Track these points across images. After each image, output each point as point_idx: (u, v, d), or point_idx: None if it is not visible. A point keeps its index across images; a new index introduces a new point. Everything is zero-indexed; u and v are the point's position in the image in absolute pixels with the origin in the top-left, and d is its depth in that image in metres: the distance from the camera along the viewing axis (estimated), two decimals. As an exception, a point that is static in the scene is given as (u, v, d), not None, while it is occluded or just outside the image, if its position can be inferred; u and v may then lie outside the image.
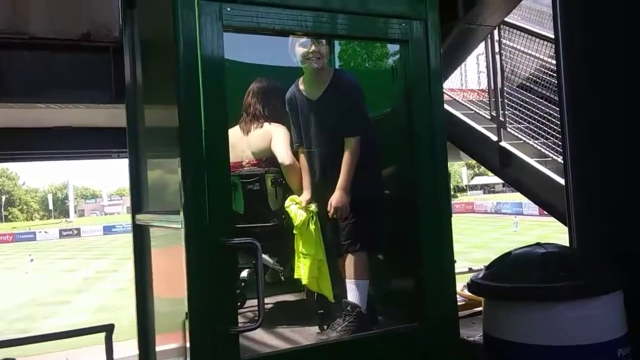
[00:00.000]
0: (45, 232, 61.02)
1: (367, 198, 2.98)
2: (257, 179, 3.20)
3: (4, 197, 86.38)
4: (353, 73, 3.13)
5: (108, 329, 3.68)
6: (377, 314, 3.03)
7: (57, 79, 4.50)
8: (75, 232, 60.59)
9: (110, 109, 5.08)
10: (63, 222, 79.05)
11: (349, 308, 2.87)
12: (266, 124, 3.27)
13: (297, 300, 3.57)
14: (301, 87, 3.12)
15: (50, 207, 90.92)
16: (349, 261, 2.93)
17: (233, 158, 2.32)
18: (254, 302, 2.16)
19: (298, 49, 2.98)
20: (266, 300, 2.21)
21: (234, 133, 3.22)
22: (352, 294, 2.90)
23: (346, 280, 2.94)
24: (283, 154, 3.15)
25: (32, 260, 34.74)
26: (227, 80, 2.10)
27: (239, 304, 3.06)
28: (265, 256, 3.14)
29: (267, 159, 3.26)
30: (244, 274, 3.25)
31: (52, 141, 6.66)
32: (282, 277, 3.32)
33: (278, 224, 3.16)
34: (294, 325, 3.05)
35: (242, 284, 3.22)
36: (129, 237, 3.09)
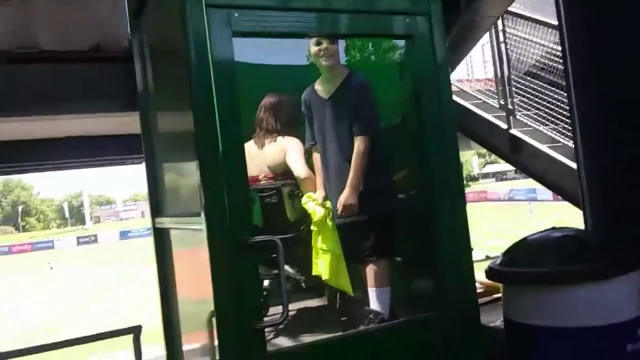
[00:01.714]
0: (63, 239, 61.66)
1: (386, 208, 3.03)
2: (274, 192, 3.24)
3: (20, 208, 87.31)
4: (366, 76, 3.15)
5: (136, 331, 3.74)
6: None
7: (68, 90, 4.54)
8: (93, 238, 61.25)
9: (122, 117, 5.14)
10: (80, 230, 79.77)
11: (371, 315, 2.91)
12: (280, 138, 3.31)
13: (318, 306, 3.61)
14: (317, 86, 3.19)
15: (67, 215, 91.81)
16: (370, 269, 2.98)
17: (250, 173, 2.37)
18: (277, 309, 2.20)
19: (311, 47, 3.06)
20: (288, 307, 2.25)
21: (249, 148, 3.26)
22: (374, 302, 2.94)
23: (368, 288, 2.98)
24: (299, 167, 3.21)
25: (51, 268, 35.09)
26: (243, 80, 2.14)
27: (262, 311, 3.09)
28: (286, 267, 3.18)
29: (282, 172, 3.30)
30: (266, 283, 3.30)
31: (66, 150, 6.71)
32: (304, 285, 3.36)
33: (297, 235, 3.19)
34: (317, 332, 3.03)
35: (265, 292, 3.26)
36: (145, 242, 3.14)
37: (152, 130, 3.09)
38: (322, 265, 3.01)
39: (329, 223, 3.02)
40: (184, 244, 2.82)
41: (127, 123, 4.84)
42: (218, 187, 2.04)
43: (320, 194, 3.13)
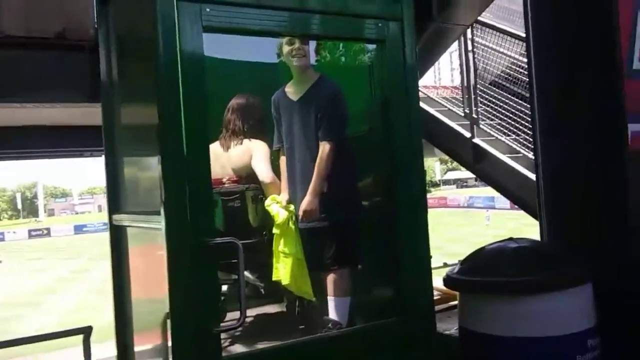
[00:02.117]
0: (14, 232, 59.73)
1: (350, 218, 3.02)
2: (237, 196, 3.18)
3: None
4: (337, 82, 3.14)
5: (86, 331, 3.64)
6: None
7: (31, 78, 4.42)
8: (45, 231, 59.37)
9: (84, 108, 5.01)
10: (32, 222, 77.43)
11: (329, 325, 2.89)
12: (246, 141, 3.26)
13: (277, 312, 3.55)
14: (287, 89, 3.16)
15: (19, 206, 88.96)
16: (331, 278, 2.96)
17: (214, 174, 2.33)
18: (235, 314, 2.16)
19: (283, 46, 3.04)
20: (246, 312, 2.21)
21: (215, 149, 3.20)
22: (334, 311, 2.93)
23: (327, 297, 2.96)
24: (264, 171, 3.17)
25: (0, 261, 34.00)
26: (212, 77, 2.11)
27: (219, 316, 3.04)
28: (245, 272, 3.13)
29: (247, 175, 3.25)
30: (224, 288, 3.24)
31: (24, 140, 6.53)
32: (263, 291, 3.32)
33: (258, 240, 3.14)
34: (274, 338, 2.98)
35: (222, 297, 3.20)
36: (100, 237, 3.05)
37: (115, 123, 3.00)
38: (282, 269, 2.96)
39: (292, 226, 2.99)
40: (141, 243, 2.75)
41: (89, 114, 4.73)
42: (180, 185, 1.98)
43: (284, 196, 3.10)
